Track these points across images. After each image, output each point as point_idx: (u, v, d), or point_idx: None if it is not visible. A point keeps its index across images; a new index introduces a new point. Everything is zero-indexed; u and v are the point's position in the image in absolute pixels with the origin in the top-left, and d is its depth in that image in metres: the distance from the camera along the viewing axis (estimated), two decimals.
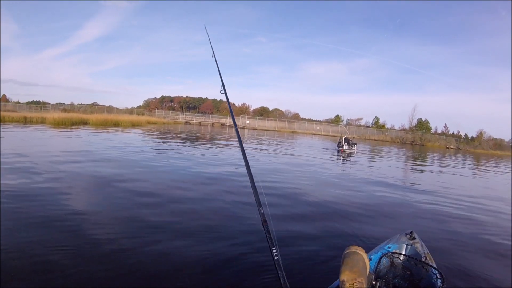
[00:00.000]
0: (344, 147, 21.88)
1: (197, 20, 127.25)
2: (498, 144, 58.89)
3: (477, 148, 56.20)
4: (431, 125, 72.10)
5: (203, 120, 61.93)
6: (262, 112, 79.79)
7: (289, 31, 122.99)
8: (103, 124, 30.53)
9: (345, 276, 1.90)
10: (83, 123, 30.37)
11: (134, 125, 34.61)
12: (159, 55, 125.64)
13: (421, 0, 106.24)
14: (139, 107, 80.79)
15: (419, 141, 57.00)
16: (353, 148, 22.33)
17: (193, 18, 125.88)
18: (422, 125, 70.20)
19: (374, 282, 2.24)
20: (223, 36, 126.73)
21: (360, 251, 2.03)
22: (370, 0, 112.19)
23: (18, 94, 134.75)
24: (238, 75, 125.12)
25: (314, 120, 71.94)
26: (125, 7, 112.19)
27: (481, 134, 62.44)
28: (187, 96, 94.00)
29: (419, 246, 2.91)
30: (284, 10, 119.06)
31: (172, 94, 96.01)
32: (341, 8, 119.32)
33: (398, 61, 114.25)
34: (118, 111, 57.13)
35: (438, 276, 2.27)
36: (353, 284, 1.87)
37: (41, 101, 74.80)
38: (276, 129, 58.83)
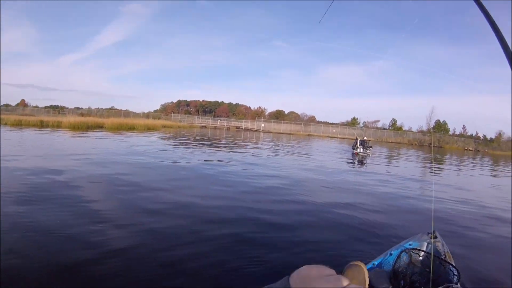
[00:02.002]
0: (358, 149, 21.64)
1: (214, 25, 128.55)
2: None
3: (496, 150, 55.04)
4: (449, 127, 71.05)
5: (218, 123, 62.31)
6: (278, 115, 79.71)
7: (306, 35, 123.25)
8: (119, 128, 30.95)
9: None
10: (99, 127, 30.86)
11: (149, 129, 35.01)
12: (176, 60, 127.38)
13: (438, 1, 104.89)
14: (155, 111, 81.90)
15: (437, 143, 56.15)
16: (368, 151, 22.05)
17: (210, 24, 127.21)
18: (440, 127, 69.12)
19: (392, 271, 2.38)
20: (240, 41, 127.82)
21: (361, 265, 2.03)
22: (387, 1, 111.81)
23: (37, 99, 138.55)
24: (255, 79, 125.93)
25: (330, 123, 71.56)
26: (143, 13, 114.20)
27: (499, 135, 61.21)
28: (203, 100, 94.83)
29: (440, 245, 2.96)
30: (301, 14, 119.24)
31: (189, 98, 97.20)
32: (358, 11, 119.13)
33: (415, 63, 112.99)
34: (135, 115, 57.98)
35: (455, 273, 2.32)
36: None
37: (59, 105, 76.67)
38: (292, 132, 58.79)
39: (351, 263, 2.16)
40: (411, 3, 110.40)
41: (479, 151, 53.76)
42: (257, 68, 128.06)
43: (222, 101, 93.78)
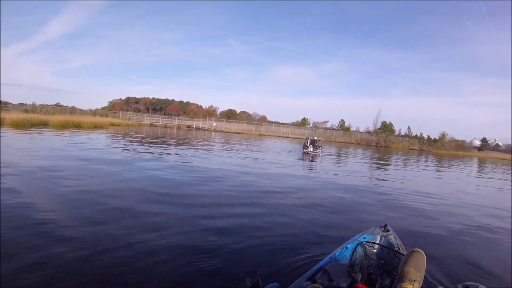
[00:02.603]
0: (309, 149, 21.82)
1: (165, 19, 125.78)
2: (460, 145, 61.46)
3: (440, 149, 58.18)
4: (395, 128, 74.18)
5: (169, 122, 60.79)
6: (230, 115, 79.41)
7: (259, 34, 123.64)
8: (64, 126, 29.24)
9: (410, 273, 2.13)
10: (43, 124, 28.96)
11: (96, 127, 33.44)
12: (125, 54, 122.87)
13: (389, 8, 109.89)
14: (103, 108, 78.68)
15: (383, 143, 58.32)
16: (318, 150, 22.35)
17: (161, 17, 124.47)
18: (386, 128, 71.98)
19: (349, 270, 2.41)
20: (192, 36, 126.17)
21: (423, 253, 2.31)
22: (339, 4, 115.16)
23: None
24: (207, 76, 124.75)
25: (281, 123, 72.34)
26: (92, 4, 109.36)
27: (443, 136, 64.79)
28: (153, 98, 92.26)
29: (393, 238, 3.06)
30: (254, 13, 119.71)
31: (138, 95, 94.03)
32: (310, 13, 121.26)
33: (364, 66, 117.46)
34: (81, 112, 55.24)
35: None
36: (413, 282, 2.08)
37: (2, 101, 71.70)
38: (244, 132, 58.62)
39: (416, 249, 2.34)
40: (362, 6, 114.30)
41: (423, 150, 56.58)
42: (209, 65, 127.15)
43: (173, 99, 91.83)
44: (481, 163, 34.74)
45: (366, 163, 21.01)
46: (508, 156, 56.20)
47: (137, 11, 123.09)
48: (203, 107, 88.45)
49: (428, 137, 68.19)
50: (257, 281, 2.10)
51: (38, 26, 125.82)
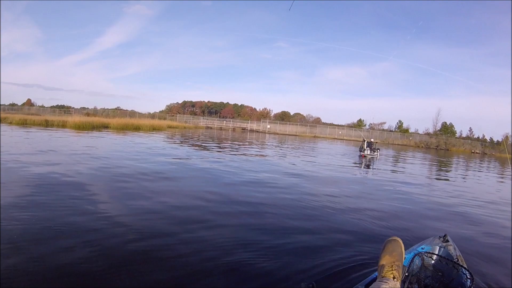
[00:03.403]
0: (366, 152, 21.32)
1: (215, 27, 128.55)
2: None
3: (503, 153, 54.59)
4: (455, 129, 70.67)
5: (224, 124, 62.20)
6: (283, 117, 79.69)
7: (309, 36, 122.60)
8: (124, 128, 30.75)
9: (385, 260, 2.18)
10: (104, 126, 30.71)
11: (155, 129, 34.90)
12: (179, 60, 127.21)
13: (442, 0, 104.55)
14: (161, 111, 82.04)
15: (443, 145, 55.78)
16: (375, 153, 21.75)
17: (211, 24, 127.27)
18: (446, 129, 68.76)
19: (406, 275, 2.36)
20: (242, 42, 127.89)
21: (399, 240, 2.33)
22: (389, 1, 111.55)
23: (43, 99, 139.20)
24: (258, 81, 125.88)
25: (335, 125, 71.35)
26: (146, 14, 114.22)
27: (506, 138, 60.81)
28: (208, 101, 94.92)
29: (452, 249, 2.95)
30: (303, 15, 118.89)
31: (194, 99, 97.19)
32: (360, 11, 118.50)
33: (419, 63, 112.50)
34: (140, 115, 58.02)
35: (468, 277, 2.30)
36: (391, 266, 2.12)
37: (65, 105, 77.00)
38: (298, 134, 58.57)
39: (390, 238, 2.34)
40: (415, 4, 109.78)
41: (486, 154, 53.29)
42: (260, 69, 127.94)
43: (227, 102, 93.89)
44: None
45: (428, 169, 20.28)
46: None
47: (188, 19, 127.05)
48: (257, 109, 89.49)
49: (491, 139, 64.38)
50: (312, 287, 2.11)
51: (95, 37, 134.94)
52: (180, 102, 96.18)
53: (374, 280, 2.40)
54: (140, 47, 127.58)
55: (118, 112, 60.19)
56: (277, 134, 55.74)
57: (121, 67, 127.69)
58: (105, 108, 68.58)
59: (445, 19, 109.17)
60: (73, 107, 64.87)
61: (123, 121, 34.06)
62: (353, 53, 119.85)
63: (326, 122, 77.36)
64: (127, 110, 67.19)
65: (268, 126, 61.04)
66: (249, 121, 64.81)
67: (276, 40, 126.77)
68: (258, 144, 27.14)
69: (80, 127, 26.97)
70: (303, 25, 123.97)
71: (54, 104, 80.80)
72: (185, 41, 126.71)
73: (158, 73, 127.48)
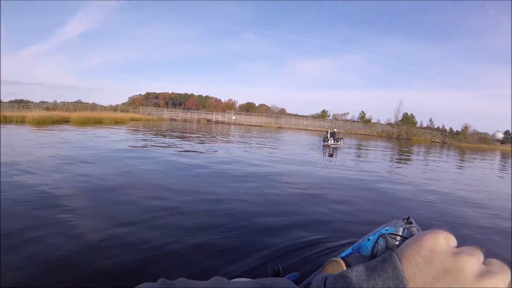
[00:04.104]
0: (329, 141, 21.44)
1: (183, 17, 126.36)
2: (483, 138, 59.76)
3: (462, 142, 56.81)
4: (416, 120, 72.95)
5: (188, 116, 61.27)
6: (249, 108, 79.45)
7: (277, 28, 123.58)
8: (85, 122, 29.54)
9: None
10: (65, 121, 29.41)
11: (117, 122, 33.78)
12: (144, 51, 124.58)
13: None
14: (123, 104, 79.67)
15: (404, 135, 57.38)
16: (338, 142, 21.93)
17: (179, 14, 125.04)
18: (407, 120, 70.84)
19: (371, 256, 2.15)
20: (210, 33, 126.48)
21: (340, 261, 2.04)
22: None
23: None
24: (226, 72, 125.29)
25: (300, 115, 71.93)
26: (110, 3, 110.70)
27: (466, 128, 63.36)
28: (172, 93, 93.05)
29: (415, 230, 2.78)
30: (272, 7, 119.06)
31: (157, 90, 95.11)
32: (329, 5, 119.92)
33: (385, 57, 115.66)
34: (102, 108, 56.14)
35: None
36: None
37: (24, 99, 73.38)
38: (263, 125, 58.56)
39: (331, 259, 2.11)
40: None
41: (445, 143, 55.29)
42: (227, 60, 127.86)
43: (192, 94, 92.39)
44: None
45: (388, 156, 20.69)
46: None
47: (154, 9, 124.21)
48: (222, 100, 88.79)
49: (451, 129, 66.89)
50: (278, 269, 2.07)
51: (56, 27, 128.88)
52: (143, 94, 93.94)
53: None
54: (104, 37, 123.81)
55: (79, 105, 57.93)
56: (243, 125, 55.49)
57: (84, 58, 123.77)
58: (66, 101, 65.91)
59: (412, 15, 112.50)
60: (32, 102, 61.88)
61: (84, 115, 32.57)
62: (320, 46, 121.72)
63: (291, 113, 77.98)
64: (88, 103, 64.83)
65: (234, 117, 60.74)
66: (214, 113, 64.22)
67: (244, 32, 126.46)
68: (224, 135, 26.83)
69: (40, 122, 25.62)
70: (272, 17, 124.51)
71: (13, 99, 76.89)
72: (151, 31, 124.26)
73: (122, 64, 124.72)
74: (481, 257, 0.35)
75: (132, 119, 42.32)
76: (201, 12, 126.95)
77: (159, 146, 14.00)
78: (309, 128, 58.77)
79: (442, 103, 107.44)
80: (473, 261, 0.33)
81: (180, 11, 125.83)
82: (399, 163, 16.60)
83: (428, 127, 70.83)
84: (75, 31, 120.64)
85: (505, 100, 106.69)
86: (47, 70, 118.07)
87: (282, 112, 77.16)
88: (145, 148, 13.06)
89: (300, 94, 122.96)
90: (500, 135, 68.41)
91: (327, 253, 3.61)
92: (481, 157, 26.87)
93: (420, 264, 0.32)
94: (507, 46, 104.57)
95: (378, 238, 2.58)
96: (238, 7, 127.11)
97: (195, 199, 5.58)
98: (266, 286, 0.31)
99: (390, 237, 2.60)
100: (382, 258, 0.35)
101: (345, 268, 2.00)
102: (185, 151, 13.03)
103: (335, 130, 24.24)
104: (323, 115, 75.45)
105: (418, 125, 72.01)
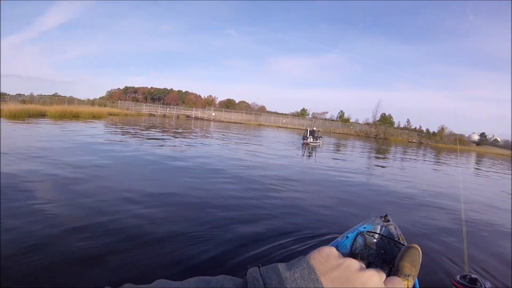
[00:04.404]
0: (308, 139, 21.55)
1: (164, 10, 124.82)
2: (459, 139, 61.31)
3: (438, 143, 58.12)
4: (394, 120, 74.26)
5: (167, 112, 60.60)
6: (228, 105, 79.20)
7: (259, 26, 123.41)
8: (62, 116, 28.82)
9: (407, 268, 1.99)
10: (41, 115, 28.61)
11: (94, 116, 33.09)
12: (123, 44, 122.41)
13: (391, 0, 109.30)
14: (101, 98, 78.08)
15: (382, 135, 58.26)
16: (317, 141, 22.08)
17: (160, 7, 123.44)
18: (385, 120, 71.96)
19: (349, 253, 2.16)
20: (191, 28, 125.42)
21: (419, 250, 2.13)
22: None
23: None
24: (206, 68, 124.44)
25: (280, 113, 72.15)
26: None
27: (442, 129, 64.82)
28: (151, 87, 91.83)
29: (393, 228, 2.87)
30: (255, 4, 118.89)
31: (136, 84, 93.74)
32: (311, 4, 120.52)
33: (365, 58, 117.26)
34: (80, 102, 54.90)
35: None
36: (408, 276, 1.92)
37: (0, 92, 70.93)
38: (243, 122, 58.53)
39: (409, 245, 2.14)
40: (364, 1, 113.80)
41: (422, 143, 56.50)
42: (208, 56, 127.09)
43: (171, 89, 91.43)
44: (480, 158, 34.62)
45: (370, 157, 20.94)
46: (507, 152, 55.96)
47: (134, 1, 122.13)
48: (202, 96, 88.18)
49: (427, 130, 68.31)
50: (258, 268, 1.99)
51: (34, 17, 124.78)
52: (121, 88, 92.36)
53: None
54: (83, 29, 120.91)
55: (56, 99, 56.33)
56: (222, 122, 55.28)
57: (61, 50, 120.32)
58: (42, 94, 64.09)
59: (393, 16, 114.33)
60: (8, 94, 59.97)
61: (61, 109, 31.74)
62: (301, 44, 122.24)
63: (271, 110, 78.10)
64: (65, 96, 63.16)
65: (213, 114, 60.42)
66: (194, 109, 63.69)
67: (226, 28, 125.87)
68: (203, 131, 26.62)
69: (16, 116, 24.78)
70: (254, 15, 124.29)
71: None
72: (131, 24, 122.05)
73: (101, 56, 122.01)
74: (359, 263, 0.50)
75: (110, 114, 41.55)
76: (182, 6, 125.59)
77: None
78: (288, 126, 59.02)
79: (420, 104, 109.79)
80: (355, 261, 0.48)
81: (160, 4, 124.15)
82: (377, 159, 16.84)
83: (405, 128, 72.20)
84: (54, 22, 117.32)
85: (480, 102, 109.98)
86: (24, 61, 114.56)
87: (262, 110, 77.18)
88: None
89: (280, 92, 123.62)
90: (476, 137, 70.41)
91: (307, 250, 3.53)
92: (455, 158, 27.51)
93: (322, 260, 0.47)
94: (483, 50, 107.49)
95: (357, 236, 2.57)
96: (220, 3, 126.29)
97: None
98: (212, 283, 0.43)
99: (368, 235, 2.57)
100: (298, 258, 0.47)
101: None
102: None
103: (315, 128, 24.39)
104: (302, 113, 75.90)
105: (395, 125, 73.44)
